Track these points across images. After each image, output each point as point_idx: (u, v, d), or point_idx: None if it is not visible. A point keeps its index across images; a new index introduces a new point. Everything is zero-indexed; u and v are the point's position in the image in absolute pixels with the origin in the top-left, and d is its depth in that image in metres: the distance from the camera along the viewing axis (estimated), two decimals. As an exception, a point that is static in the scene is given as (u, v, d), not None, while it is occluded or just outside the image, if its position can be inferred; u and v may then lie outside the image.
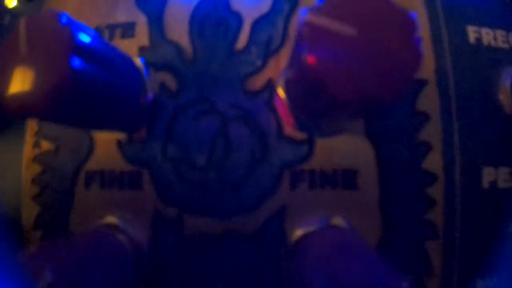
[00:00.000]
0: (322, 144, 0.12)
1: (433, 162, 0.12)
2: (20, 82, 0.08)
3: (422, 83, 0.12)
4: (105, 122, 0.11)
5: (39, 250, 0.09)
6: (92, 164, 0.12)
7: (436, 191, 0.12)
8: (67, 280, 0.09)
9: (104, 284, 0.10)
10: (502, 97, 0.13)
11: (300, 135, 0.12)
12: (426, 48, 0.12)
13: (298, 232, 0.11)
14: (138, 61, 0.12)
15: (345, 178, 0.12)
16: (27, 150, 0.13)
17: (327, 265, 0.09)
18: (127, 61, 0.11)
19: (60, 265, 0.09)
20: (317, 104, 0.10)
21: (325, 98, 0.08)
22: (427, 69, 0.12)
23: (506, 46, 0.13)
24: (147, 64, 0.12)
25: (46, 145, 0.13)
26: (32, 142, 0.13)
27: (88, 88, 0.09)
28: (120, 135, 0.12)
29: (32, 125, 0.13)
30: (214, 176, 0.12)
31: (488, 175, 0.13)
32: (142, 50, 0.12)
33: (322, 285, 0.08)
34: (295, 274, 0.10)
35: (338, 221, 0.11)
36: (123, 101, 0.11)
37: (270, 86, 0.12)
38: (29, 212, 0.13)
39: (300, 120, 0.12)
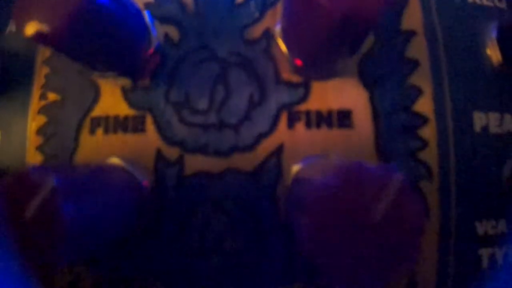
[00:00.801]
0: (317, 87, 0.13)
1: (424, 105, 0.13)
2: (38, 10, 0.10)
3: (411, 33, 0.13)
4: (113, 60, 0.12)
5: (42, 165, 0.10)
6: (97, 111, 0.13)
7: (428, 133, 0.13)
8: (71, 188, 0.09)
9: (106, 203, 0.10)
10: (489, 51, 0.14)
11: (296, 79, 0.13)
12: (414, 3, 0.14)
13: (295, 168, 0.12)
14: (144, 13, 0.13)
15: (340, 118, 0.12)
16: (34, 103, 0.14)
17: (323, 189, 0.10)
18: (136, 10, 0.12)
19: (64, 176, 0.09)
20: (311, 42, 0.11)
21: (316, 24, 0.10)
22: (415, 22, 0.14)
23: (490, 4, 0.15)
24: (152, 17, 0.13)
25: (52, 96, 0.14)
26: (38, 95, 0.14)
27: (100, 22, 0.10)
28: (125, 83, 0.13)
29: (39, 79, 0.14)
30: (215, 118, 0.13)
31: (479, 119, 0.13)
32: (147, 5, 0.14)
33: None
34: (293, 206, 0.11)
35: (334, 158, 0.12)
36: (130, 42, 0.12)
37: (267, 35, 0.13)
38: (33, 161, 0.13)
39: (296, 66, 0.13)
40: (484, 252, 0.13)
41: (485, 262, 0.13)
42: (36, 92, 0.14)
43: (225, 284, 0.13)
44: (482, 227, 0.13)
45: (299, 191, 0.11)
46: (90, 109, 0.13)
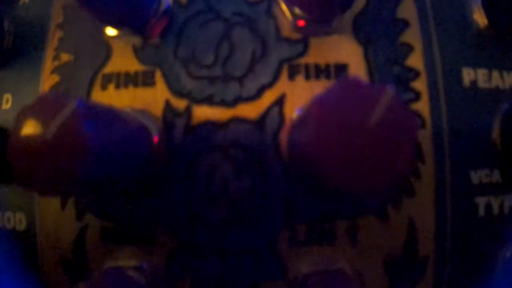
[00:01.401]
0: (315, 42, 0.14)
1: (415, 60, 0.14)
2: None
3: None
4: (125, 14, 0.13)
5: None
6: (109, 68, 0.14)
7: (420, 86, 0.14)
8: (91, 114, 0.10)
9: (121, 137, 0.11)
10: (476, 15, 0.16)
11: (296, 36, 0.14)
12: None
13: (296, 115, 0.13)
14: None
15: (337, 71, 0.14)
16: (47, 64, 0.15)
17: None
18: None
19: (85, 103, 0.10)
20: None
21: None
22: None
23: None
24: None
25: (65, 57, 0.15)
26: (52, 57, 0.15)
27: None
28: (135, 42, 0.14)
29: (53, 42, 0.15)
30: (220, 71, 0.14)
31: (467, 74, 0.15)
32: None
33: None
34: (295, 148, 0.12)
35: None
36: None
37: (268, -3, 0.15)
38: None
39: (297, 25, 0.14)
40: (480, 201, 0.14)
41: (481, 211, 0.14)
42: (49, 55, 0.15)
43: (231, 229, 0.13)
44: (477, 176, 0.14)
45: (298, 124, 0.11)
46: (102, 66, 0.14)
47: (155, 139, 0.13)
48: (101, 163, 0.11)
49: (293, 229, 0.13)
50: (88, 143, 0.10)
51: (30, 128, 0.10)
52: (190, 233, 0.13)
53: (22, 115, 0.10)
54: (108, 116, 0.11)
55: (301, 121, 0.10)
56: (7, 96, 0.16)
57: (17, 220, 0.16)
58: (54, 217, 0.15)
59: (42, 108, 0.10)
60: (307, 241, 0.13)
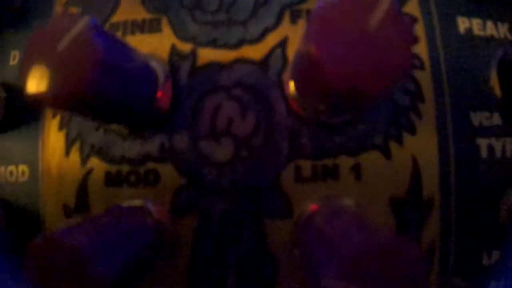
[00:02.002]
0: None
1: (412, 7, 0.15)
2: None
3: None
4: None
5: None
6: (116, 18, 0.15)
7: (418, 30, 0.15)
8: (104, 33, 0.11)
9: (131, 65, 0.12)
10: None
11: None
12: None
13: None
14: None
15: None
16: (56, 18, 0.16)
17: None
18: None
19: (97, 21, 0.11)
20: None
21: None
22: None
23: None
24: None
25: (74, 10, 0.16)
26: (61, 12, 0.16)
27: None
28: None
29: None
30: (224, 16, 0.15)
31: (462, 23, 0.16)
32: None
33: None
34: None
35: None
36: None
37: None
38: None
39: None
40: (482, 143, 0.15)
41: (484, 152, 0.15)
42: (58, 9, 0.16)
43: (236, 167, 0.14)
44: (477, 118, 0.15)
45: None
46: (109, 16, 0.15)
47: (161, 79, 0.14)
48: (110, 82, 0.11)
49: (297, 166, 0.14)
50: (99, 54, 0.10)
51: (43, 43, 0.11)
52: (195, 171, 0.14)
53: (36, 33, 0.11)
54: (120, 43, 0.12)
55: (307, 30, 0.10)
56: (15, 53, 0.17)
57: (19, 172, 0.16)
58: (58, 163, 0.15)
59: (55, 25, 0.11)
60: (311, 177, 0.14)
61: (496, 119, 0.15)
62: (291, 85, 0.14)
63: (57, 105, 0.10)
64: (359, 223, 0.11)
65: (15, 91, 0.17)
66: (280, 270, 0.14)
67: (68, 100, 0.10)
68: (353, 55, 0.10)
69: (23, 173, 0.16)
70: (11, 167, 0.16)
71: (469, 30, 0.16)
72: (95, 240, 0.10)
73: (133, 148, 0.14)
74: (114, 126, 0.14)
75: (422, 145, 0.14)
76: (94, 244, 0.10)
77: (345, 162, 0.14)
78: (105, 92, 0.11)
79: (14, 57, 0.17)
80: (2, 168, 0.16)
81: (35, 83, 0.10)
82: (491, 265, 0.15)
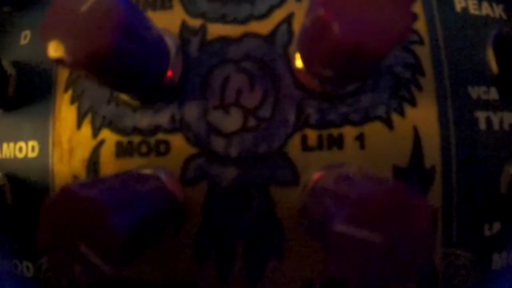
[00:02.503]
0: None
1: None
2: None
3: None
4: None
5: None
6: (128, -3, 0.16)
7: (417, 8, 0.16)
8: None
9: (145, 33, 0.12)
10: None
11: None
12: None
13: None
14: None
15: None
16: None
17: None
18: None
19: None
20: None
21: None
22: None
23: None
24: None
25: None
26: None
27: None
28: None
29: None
30: (232, -7, 0.16)
31: (459, 2, 0.17)
32: None
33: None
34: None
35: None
36: None
37: None
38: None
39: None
40: (480, 115, 0.16)
41: (482, 124, 0.16)
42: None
43: (244, 136, 0.15)
44: (475, 92, 0.16)
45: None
46: (121, -5, 0.16)
47: (172, 52, 0.15)
48: (129, 47, 0.12)
49: (304, 135, 0.15)
50: (120, 18, 0.11)
51: (65, 5, 0.11)
52: (205, 141, 0.15)
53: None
54: (139, 11, 0.13)
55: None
56: (26, 33, 0.18)
57: (29, 148, 0.17)
58: (70, 136, 0.16)
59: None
60: (317, 146, 0.15)
61: (493, 94, 0.16)
62: (297, 58, 0.15)
63: (76, 66, 0.11)
64: (365, 176, 0.12)
65: (26, 69, 0.17)
66: (287, 237, 0.14)
67: (88, 62, 0.11)
68: (359, 16, 0.11)
69: (33, 148, 0.17)
70: (21, 143, 0.17)
71: (465, 9, 0.17)
72: (111, 193, 0.11)
73: (144, 119, 0.15)
74: (125, 98, 0.15)
75: (423, 117, 0.15)
76: (111, 197, 0.11)
77: (349, 132, 0.15)
78: (123, 56, 0.12)
79: (25, 37, 0.18)
80: (12, 145, 0.17)
81: (56, 45, 0.11)
82: (493, 236, 0.16)
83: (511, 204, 0.16)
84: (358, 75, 0.13)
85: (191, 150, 0.15)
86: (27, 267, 0.17)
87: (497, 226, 0.16)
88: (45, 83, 0.16)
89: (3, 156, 0.17)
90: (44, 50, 0.16)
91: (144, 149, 0.15)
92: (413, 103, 0.15)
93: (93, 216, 0.10)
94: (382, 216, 0.10)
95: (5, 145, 0.17)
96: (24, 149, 0.17)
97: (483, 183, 0.16)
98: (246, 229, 0.14)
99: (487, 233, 0.16)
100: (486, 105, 0.16)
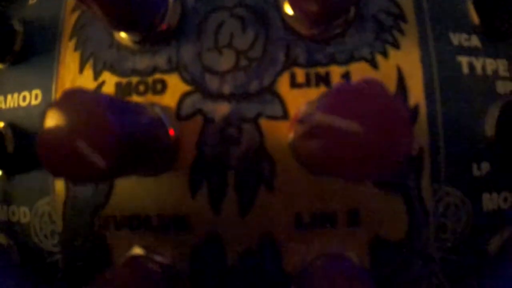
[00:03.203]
0: None
1: None
2: None
3: None
4: None
5: None
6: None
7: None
8: None
9: None
10: None
11: None
12: None
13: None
14: None
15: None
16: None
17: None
18: None
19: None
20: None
21: None
22: None
23: None
24: None
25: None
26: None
27: None
28: None
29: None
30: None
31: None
32: None
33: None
34: None
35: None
36: None
37: None
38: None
39: None
40: (463, 60, 0.17)
41: (465, 69, 0.17)
42: None
43: (237, 74, 0.16)
44: (456, 38, 0.17)
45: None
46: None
47: (170, 1, 0.17)
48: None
49: (292, 73, 0.16)
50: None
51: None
52: (199, 79, 0.16)
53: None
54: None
55: None
56: None
57: (32, 96, 0.18)
58: (72, 80, 0.17)
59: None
60: (305, 83, 0.16)
61: (475, 41, 0.18)
62: (287, 5, 0.17)
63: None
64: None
65: (33, 25, 0.19)
66: (278, 169, 0.16)
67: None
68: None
69: (36, 96, 0.18)
70: (24, 93, 0.18)
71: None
72: (112, 100, 0.12)
73: (142, 61, 0.17)
74: (126, 42, 0.17)
75: (406, 58, 0.17)
76: (111, 101, 0.12)
77: (335, 70, 0.16)
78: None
79: None
80: (15, 95, 0.19)
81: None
82: (482, 176, 0.17)
83: (498, 146, 0.17)
84: (341, 8, 0.15)
85: (186, 88, 0.16)
86: (24, 213, 0.18)
87: (486, 166, 0.17)
88: (51, 35, 0.18)
89: (7, 106, 0.19)
90: (52, 5, 0.18)
91: (142, 88, 0.16)
92: (396, 45, 0.17)
93: (92, 113, 0.12)
94: (360, 107, 0.11)
95: (9, 96, 0.19)
96: (27, 98, 0.18)
97: (469, 124, 0.17)
98: (238, 161, 0.16)
99: (476, 173, 0.17)
100: (468, 51, 0.17)
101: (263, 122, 0.16)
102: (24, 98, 0.18)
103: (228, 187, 0.16)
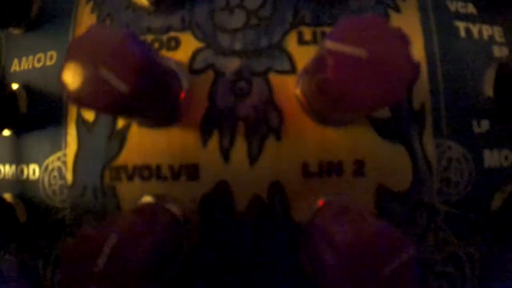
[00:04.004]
0: None
1: None
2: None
3: None
4: None
5: None
6: None
7: None
8: None
9: None
10: None
11: None
12: None
13: None
14: None
15: None
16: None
17: None
18: None
19: None
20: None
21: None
22: None
23: None
24: None
25: None
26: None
27: None
28: None
29: None
30: None
31: None
32: None
33: None
34: None
35: None
36: None
37: None
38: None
39: None
40: (460, 25, 0.19)
41: (462, 32, 0.19)
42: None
43: (248, 32, 0.18)
44: (453, 5, 0.19)
45: None
46: None
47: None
48: None
49: (299, 31, 0.18)
50: None
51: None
52: (211, 36, 0.18)
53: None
54: None
55: None
56: None
57: (48, 57, 0.20)
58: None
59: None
60: (312, 41, 0.17)
61: (471, 9, 0.20)
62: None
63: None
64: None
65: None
66: (285, 119, 0.17)
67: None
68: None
69: (51, 57, 0.20)
70: (39, 55, 0.20)
71: None
72: (133, 33, 0.14)
73: (157, 21, 0.18)
74: (142, 2, 0.18)
75: (407, 21, 0.18)
76: (132, 35, 0.13)
77: (341, 30, 0.18)
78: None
79: None
80: (30, 57, 0.20)
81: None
82: (482, 133, 0.18)
83: (496, 106, 0.19)
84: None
85: (199, 44, 0.18)
86: (33, 170, 0.19)
87: (485, 124, 0.18)
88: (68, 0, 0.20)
89: (21, 68, 0.20)
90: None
91: (156, 45, 0.18)
92: (397, 9, 0.19)
93: (114, 42, 0.13)
94: (366, 37, 0.13)
95: (23, 59, 0.20)
96: (42, 59, 0.20)
97: (467, 84, 0.18)
98: (248, 112, 0.17)
99: (476, 129, 0.18)
100: (465, 17, 0.19)
101: (272, 77, 0.17)
102: (39, 60, 0.20)
103: (238, 136, 0.17)
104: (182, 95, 0.17)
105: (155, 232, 0.15)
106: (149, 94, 0.14)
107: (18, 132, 0.20)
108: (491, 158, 0.18)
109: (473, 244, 0.18)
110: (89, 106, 0.13)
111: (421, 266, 0.18)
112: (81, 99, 0.13)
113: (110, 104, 0.13)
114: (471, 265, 0.18)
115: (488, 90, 0.19)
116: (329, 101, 0.14)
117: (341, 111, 0.14)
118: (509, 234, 0.18)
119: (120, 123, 0.17)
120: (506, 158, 0.18)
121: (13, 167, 0.20)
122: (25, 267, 0.20)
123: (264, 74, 0.17)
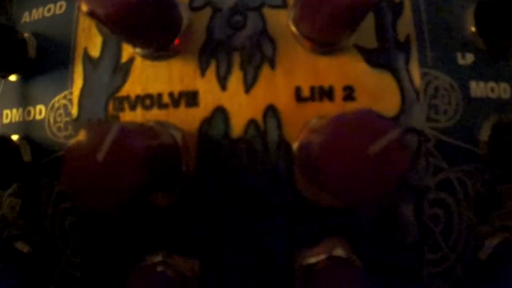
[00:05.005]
0: None
1: None
2: None
3: None
4: None
5: None
6: None
7: None
8: None
9: None
10: None
11: None
12: None
13: None
14: None
15: None
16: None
17: None
18: None
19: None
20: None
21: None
22: None
23: None
24: None
25: None
26: None
27: None
28: None
29: None
30: None
31: None
32: None
33: None
34: None
35: None
36: None
37: None
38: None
39: None
40: None
41: None
42: None
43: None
44: None
45: None
46: None
47: None
48: None
49: None
50: None
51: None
52: None
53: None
54: None
55: None
56: None
57: (57, 7, 0.22)
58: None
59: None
60: None
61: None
62: None
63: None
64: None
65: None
66: (278, 48, 0.19)
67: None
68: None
69: (60, 7, 0.22)
70: (50, 5, 0.23)
71: None
72: None
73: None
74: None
75: None
76: None
77: None
78: None
79: None
80: (41, 8, 0.23)
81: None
82: (467, 65, 0.20)
83: (480, 39, 0.21)
84: None
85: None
86: (40, 110, 0.21)
87: (470, 57, 0.20)
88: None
89: (31, 18, 0.23)
90: None
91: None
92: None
93: None
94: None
95: (34, 10, 0.23)
96: (52, 9, 0.22)
97: (449, 18, 0.21)
98: (243, 42, 0.19)
99: (460, 61, 0.20)
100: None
101: (266, 10, 0.19)
102: (49, 10, 0.23)
103: (234, 65, 0.19)
104: (182, 28, 0.19)
105: (156, 138, 0.17)
106: (153, 7, 0.16)
107: (26, 76, 0.22)
108: (478, 88, 0.20)
109: (465, 172, 0.20)
110: (101, 15, 0.15)
111: (414, 192, 0.19)
112: (94, 9, 0.15)
113: (118, 13, 0.15)
114: (464, 192, 0.20)
115: (471, 24, 0.21)
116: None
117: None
118: (499, 166, 0.20)
119: (125, 56, 0.20)
120: (492, 90, 0.20)
121: (20, 110, 0.22)
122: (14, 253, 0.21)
123: (258, 8, 0.19)
